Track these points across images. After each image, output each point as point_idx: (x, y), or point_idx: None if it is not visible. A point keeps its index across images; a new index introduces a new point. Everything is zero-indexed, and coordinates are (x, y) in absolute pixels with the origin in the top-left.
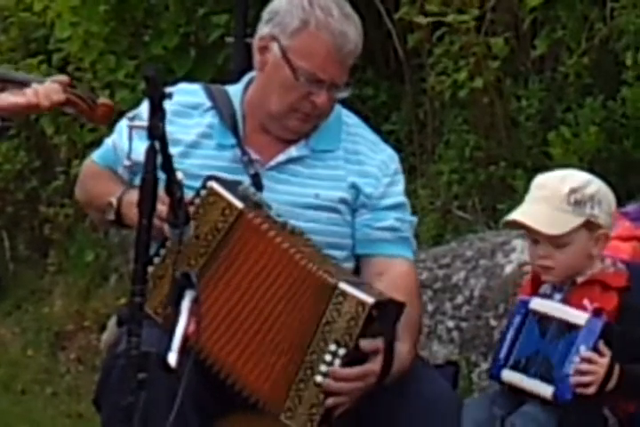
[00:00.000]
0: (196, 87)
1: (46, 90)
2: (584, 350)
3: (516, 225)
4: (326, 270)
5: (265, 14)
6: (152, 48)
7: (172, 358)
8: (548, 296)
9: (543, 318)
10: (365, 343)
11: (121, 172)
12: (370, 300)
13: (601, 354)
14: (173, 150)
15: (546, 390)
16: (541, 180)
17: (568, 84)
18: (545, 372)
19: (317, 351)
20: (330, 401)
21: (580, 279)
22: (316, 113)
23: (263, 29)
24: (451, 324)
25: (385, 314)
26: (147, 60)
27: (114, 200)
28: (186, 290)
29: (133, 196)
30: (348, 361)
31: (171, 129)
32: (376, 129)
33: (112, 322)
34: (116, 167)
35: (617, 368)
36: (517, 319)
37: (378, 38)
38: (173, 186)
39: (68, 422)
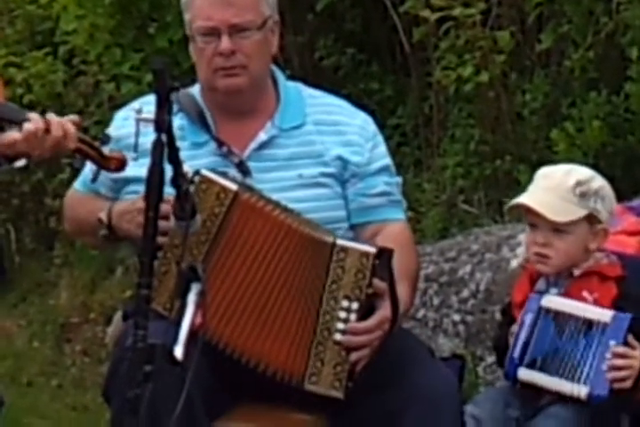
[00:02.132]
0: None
1: (56, 136)
2: (614, 345)
3: (518, 210)
4: (321, 231)
5: None
6: (158, 41)
7: (179, 351)
8: (545, 292)
9: (559, 316)
10: (377, 283)
11: (104, 192)
12: (372, 249)
13: (633, 348)
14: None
15: (579, 390)
16: (547, 171)
17: (573, 78)
18: (568, 370)
19: (330, 311)
20: (354, 356)
21: (576, 272)
22: (234, 63)
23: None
24: (456, 317)
25: (383, 261)
26: (152, 53)
27: (103, 216)
28: (192, 283)
29: (121, 206)
30: (362, 314)
31: (143, 140)
32: (382, 123)
33: (118, 316)
34: (98, 189)
35: None
36: (530, 317)
37: (383, 32)
38: (180, 178)
39: (74, 414)
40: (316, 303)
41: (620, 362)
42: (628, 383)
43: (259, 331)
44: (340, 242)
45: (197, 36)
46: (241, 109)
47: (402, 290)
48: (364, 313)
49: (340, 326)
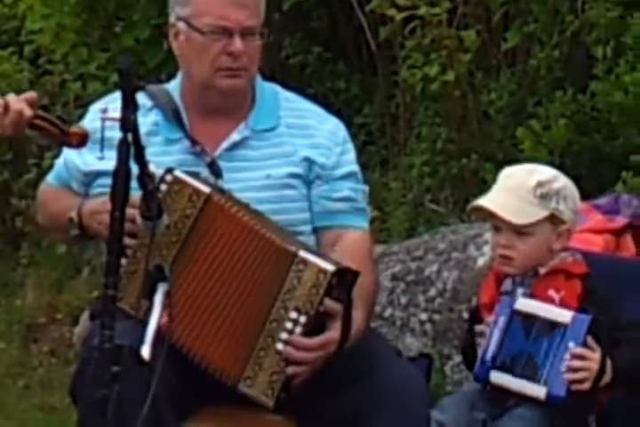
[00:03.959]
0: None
1: (13, 115)
2: (573, 347)
3: (481, 212)
4: (286, 240)
5: (168, 6)
6: (124, 40)
7: (146, 351)
8: (511, 292)
9: (527, 318)
10: (329, 303)
11: (76, 187)
12: (331, 268)
13: (591, 349)
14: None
15: (538, 391)
16: (509, 171)
17: (539, 77)
18: (530, 371)
19: (278, 319)
20: (290, 370)
21: (542, 271)
22: (240, 65)
23: (170, 19)
24: (424, 316)
25: (343, 282)
26: (118, 52)
27: (74, 215)
28: (159, 283)
29: (90, 205)
30: (309, 329)
31: (112, 134)
32: (348, 122)
33: (84, 316)
34: (70, 183)
35: (609, 363)
36: (502, 320)
37: (350, 31)
38: (146, 178)
39: (41, 414)
40: (266, 309)
41: (577, 364)
42: (585, 385)
43: (208, 329)
44: (302, 254)
45: (205, 33)
46: (221, 109)
47: (357, 314)
48: (311, 329)
49: (284, 336)
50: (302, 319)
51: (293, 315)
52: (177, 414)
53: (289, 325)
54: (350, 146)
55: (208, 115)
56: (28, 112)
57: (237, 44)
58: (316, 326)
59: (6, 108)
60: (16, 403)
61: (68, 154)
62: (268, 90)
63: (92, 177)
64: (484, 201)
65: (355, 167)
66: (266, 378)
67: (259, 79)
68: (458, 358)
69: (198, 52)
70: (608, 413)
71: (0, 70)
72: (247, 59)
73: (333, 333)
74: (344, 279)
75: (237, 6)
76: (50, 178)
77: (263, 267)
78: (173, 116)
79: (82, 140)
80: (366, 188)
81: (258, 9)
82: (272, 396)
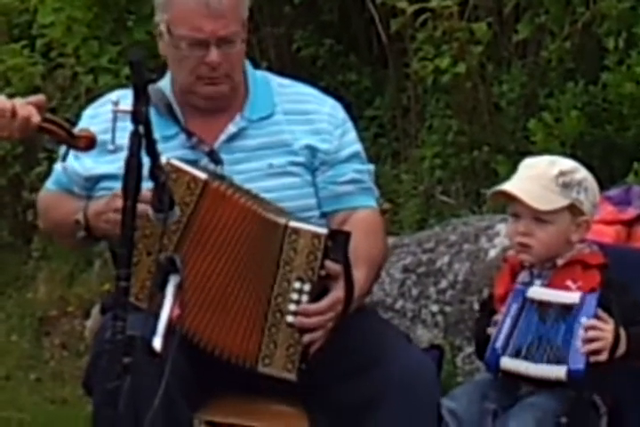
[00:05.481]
0: (124, 92)
1: (21, 119)
2: (585, 321)
3: (501, 198)
4: (276, 213)
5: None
6: (135, 33)
7: (158, 343)
8: (528, 284)
9: (542, 305)
10: (329, 264)
11: (78, 191)
12: (323, 231)
13: (604, 321)
14: (120, 156)
15: (559, 371)
16: (531, 161)
17: (550, 68)
18: (553, 355)
19: (282, 293)
20: (306, 338)
21: (559, 262)
22: (219, 73)
23: (155, 19)
24: (435, 308)
25: (337, 243)
26: (130, 46)
27: (80, 217)
28: (170, 275)
29: (94, 206)
30: (315, 295)
31: (110, 136)
32: (359, 114)
33: (96, 310)
34: (71, 188)
35: (623, 333)
36: (514, 308)
37: (361, 23)
38: (157, 170)
39: (53, 407)
40: (269, 286)
41: (591, 334)
42: (602, 356)
43: (217, 316)
44: (292, 224)
45: (181, 44)
46: (209, 109)
47: (358, 274)
48: (317, 295)
49: (293, 307)
50: (307, 287)
51: (297, 285)
52: (189, 405)
53: (295, 296)
54: (350, 125)
55: (203, 111)
56: (35, 117)
57: (213, 55)
58: (320, 290)
59: (14, 112)
60: (28, 396)
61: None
62: (259, 78)
63: (93, 181)
64: (507, 185)
65: (357, 146)
66: (283, 353)
67: (250, 68)
68: (469, 350)
69: (178, 59)
70: (620, 412)
71: (12, 64)
72: (228, 66)
73: (338, 292)
74: (338, 241)
75: (211, 16)
76: (49, 184)
77: (259, 244)
78: (167, 111)
79: (90, 143)
80: (371, 167)
81: (235, 15)
82: (294, 369)
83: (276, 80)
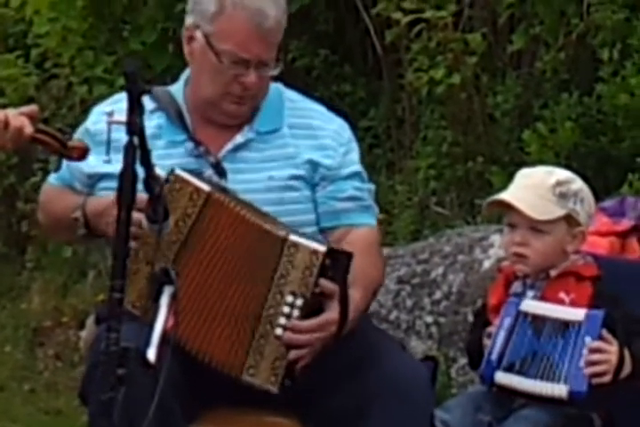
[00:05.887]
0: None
1: (13, 130)
2: (590, 341)
3: (497, 208)
4: (276, 226)
5: (188, 5)
6: (130, 44)
7: (152, 354)
8: (521, 294)
9: (536, 319)
10: (324, 283)
11: (79, 188)
12: (322, 248)
13: (608, 342)
14: (120, 157)
15: (559, 390)
16: (528, 171)
17: (545, 79)
18: (547, 371)
19: (274, 305)
20: (292, 354)
21: (553, 273)
22: (248, 94)
23: (187, 20)
24: (429, 319)
25: (337, 262)
26: (125, 56)
27: (79, 215)
28: (165, 286)
29: (95, 206)
30: (307, 312)
31: (117, 136)
32: (354, 125)
33: (90, 321)
34: (73, 184)
35: (627, 354)
36: (508, 321)
37: (356, 34)
38: (152, 181)
39: (47, 418)
40: (263, 297)
41: (596, 357)
42: (606, 378)
43: (208, 325)
44: (292, 237)
45: (223, 60)
46: (222, 121)
47: (355, 294)
48: (309, 312)
49: (283, 321)
50: (299, 302)
51: (290, 299)
52: (184, 415)
53: (286, 309)
54: (354, 146)
55: (213, 121)
56: (28, 128)
57: (252, 77)
58: (313, 308)
59: (6, 123)
60: (21, 407)
61: None
62: (273, 91)
63: (95, 179)
64: (505, 195)
65: (358, 167)
66: (268, 365)
67: None
68: (463, 361)
69: (210, 71)
70: (615, 418)
71: (7, 74)
72: (258, 88)
73: (331, 313)
74: (337, 260)
75: (260, 38)
76: (52, 178)
77: (257, 256)
78: (177, 118)
79: (82, 154)
80: (372, 186)
81: (278, 39)
82: (276, 382)
83: (287, 94)
